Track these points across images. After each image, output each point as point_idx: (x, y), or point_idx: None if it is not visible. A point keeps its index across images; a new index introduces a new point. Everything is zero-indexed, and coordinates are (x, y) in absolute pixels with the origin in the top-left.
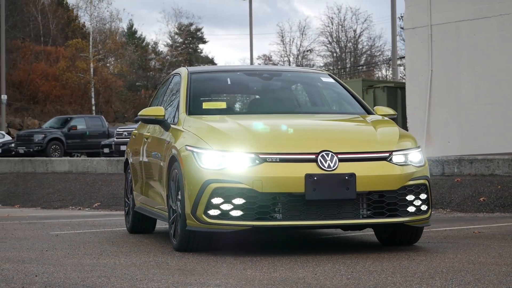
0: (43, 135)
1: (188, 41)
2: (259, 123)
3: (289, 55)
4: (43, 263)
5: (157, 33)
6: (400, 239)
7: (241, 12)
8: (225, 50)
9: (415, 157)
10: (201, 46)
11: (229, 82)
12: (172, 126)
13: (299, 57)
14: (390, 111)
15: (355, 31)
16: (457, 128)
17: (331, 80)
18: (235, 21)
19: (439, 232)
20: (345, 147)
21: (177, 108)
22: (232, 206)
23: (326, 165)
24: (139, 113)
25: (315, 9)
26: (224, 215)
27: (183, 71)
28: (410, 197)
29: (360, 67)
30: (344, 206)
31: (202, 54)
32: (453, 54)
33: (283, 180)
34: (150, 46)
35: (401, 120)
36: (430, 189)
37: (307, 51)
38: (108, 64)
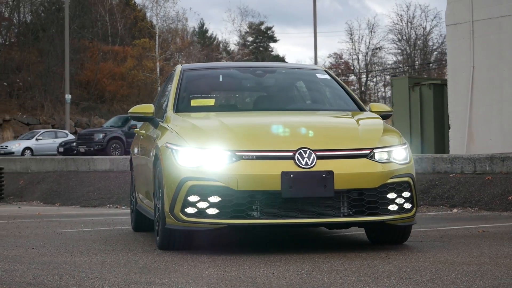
0: (104, 134)
1: (259, 40)
2: (239, 120)
3: (358, 53)
4: (15, 261)
5: (222, 31)
6: (388, 238)
7: (311, 10)
8: (296, 48)
9: (399, 154)
10: (271, 44)
11: (220, 79)
12: (160, 123)
13: (368, 55)
14: (386, 107)
15: (424, 28)
16: (499, 126)
17: (327, 76)
18: (307, 20)
19: (441, 231)
20: (324, 144)
21: (167, 105)
22: (208, 204)
23: (303, 163)
24: (129, 111)
25: (388, 6)
26: (201, 213)
27: (178, 68)
28: (391, 195)
29: (430, 65)
30: (323, 204)
31: (272, 53)
32: (494, 50)
33: (259, 177)
34: (221, 45)
35: (446, 118)
36: (414, 187)
37: (376, 49)
38: (172, 64)
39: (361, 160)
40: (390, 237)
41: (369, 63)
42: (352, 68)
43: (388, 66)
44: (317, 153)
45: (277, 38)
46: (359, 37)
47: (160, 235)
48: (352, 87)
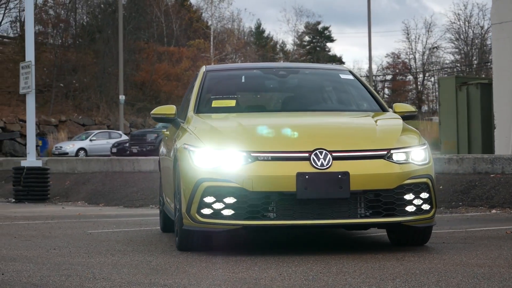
0: (156, 135)
1: (316, 40)
2: (257, 121)
3: (415, 52)
4: (30, 261)
5: (277, 32)
6: (408, 239)
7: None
8: (353, 48)
9: (417, 155)
10: (328, 44)
11: (243, 80)
12: (181, 124)
13: (425, 54)
14: (409, 108)
15: (482, 27)
16: None
17: (350, 77)
18: (364, 19)
19: (469, 233)
20: (341, 145)
21: (188, 107)
22: (223, 205)
23: (319, 164)
24: (152, 112)
25: (445, 5)
26: (216, 214)
27: (202, 69)
28: (409, 196)
29: (488, 64)
30: (339, 205)
31: (329, 53)
32: None
33: (274, 178)
34: (278, 46)
35: (493, 118)
36: (433, 188)
37: (433, 48)
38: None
39: (378, 161)
40: (410, 239)
41: (426, 62)
42: (409, 67)
43: (446, 66)
44: (333, 154)
45: (334, 38)
46: (415, 37)
47: (178, 236)
48: (409, 87)
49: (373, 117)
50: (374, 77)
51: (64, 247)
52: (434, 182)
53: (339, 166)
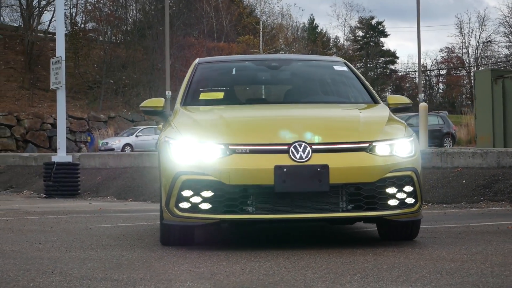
0: None
1: (369, 35)
2: (239, 114)
3: (468, 46)
4: (3, 256)
5: (327, 27)
6: (395, 234)
7: (423, 4)
8: (408, 43)
9: (402, 147)
10: (382, 39)
11: (233, 72)
12: (168, 117)
13: (478, 48)
14: (404, 100)
15: None
16: None
17: (344, 68)
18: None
19: (470, 227)
20: (321, 137)
21: (177, 99)
22: (201, 199)
23: (297, 156)
24: (140, 105)
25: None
26: (194, 208)
27: (195, 61)
28: (391, 190)
29: None
30: (320, 199)
31: (383, 48)
32: None
33: (251, 172)
34: (331, 41)
35: None
36: (418, 181)
37: (487, 42)
38: None
39: (359, 153)
40: (398, 233)
41: (479, 57)
42: (463, 62)
43: (500, 60)
44: (313, 147)
45: (388, 33)
46: (469, 31)
47: (160, 230)
48: (463, 81)
49: (360, 109)
50: (428, 71)
51: (50, 241)
52: (419, 175)
53: (318, 159)
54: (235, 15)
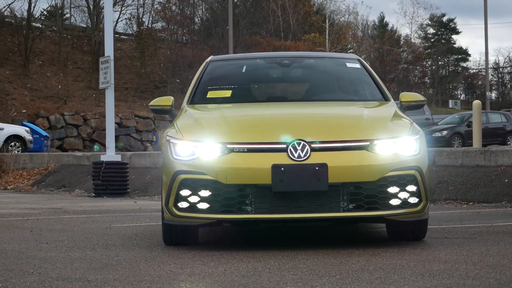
0: None
1: (441, 32)
2: (240, 112)
3: None
4: (2, 257)
5: (394, 24)
6: (403, 234)
7: (495, 1)
8: (480, 40)
9: (405, 145)
10: (454, 37)
11: (243, 70)
12: (175, 116)
13: None
14: (417, 97)
15: None
16: None
17: (357, 65)
18: (491, 11)
19: (486, 228)
20: (321, 136)
21: (184, 97)
22: (199, 198)
23: (296, 155)
24: (150, 103)
25: None
26: (192, 207)
27: (207, 59)
28: (393, 189)
29: None
30: (319, 198)
31: (455, 45)
32: None
33: (248, 171)
34: (402, 38)
35: None
36: (422, 180)
37: None
38: None
39: (359, 152)
40: (404, 234)
41: None
42: None
43: None
44: (312, 145)
45: (459, 30)
46: None
47: (162, 230)
48: None
49: (367, 107)
50: (500, 69)
51: (59, 241)
52: (423, 174)
53: (317, 158)
54: (301, 13)
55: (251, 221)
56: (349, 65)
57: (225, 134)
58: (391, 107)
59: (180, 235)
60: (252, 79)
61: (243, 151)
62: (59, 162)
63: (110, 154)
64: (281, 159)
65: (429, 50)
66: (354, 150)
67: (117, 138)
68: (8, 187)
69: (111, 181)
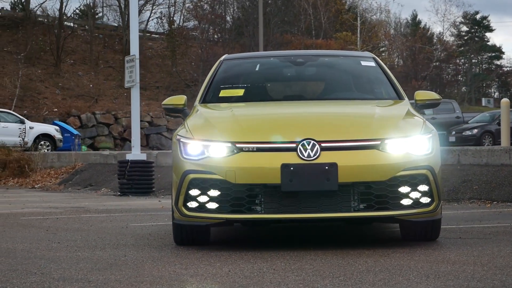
0: None
1: (474, 30)
2: (250, 111)
3: None
4: (8, 255)
5: (426, 22)
6: (415, 234)
7: None
8: None
9: (417, 144)
10: (487, 34)
11: (257, 69)
12: (187, 115)
13: None
14: (432, 95)
15: None
16: None
17: (372, 64)
18: None
19: (504, 228)
20: (331, 135)
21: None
22: (208, 198)
23: (306, 155)
24: (163, 102)
25: None
26: (201, 207)
27: (221, 58)
28: (404, 189)
29: None
30: (329, 198)
31: (488, 43)
32: None
33: (257, 170)
34: (435, 36)
35: None
36: (434, 180)
37: None
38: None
39: (369, 151)
40: (417, 234)
41: None
42: None
43: None
44: (322, 145)
45: (493, 28)
46: None
47: (173, 230)
48: None
49: (380, 105)
50: None
51: (72, 240)
52: (436, 174)
53: (327, 157)
54: (332, 11)
55: (260, 221)
56: (363, 63)
57: (234, 133)
58: (404, 105)
59: (190, 235)
60: (265, 78)
61: (253, 151)
62: (86, 161)
63: (136, 153)
64: (291, 158)
65: (462, 48)
66: (364, 149)
67: (148, 136)
68: (36, 186)
69: (136, 180)
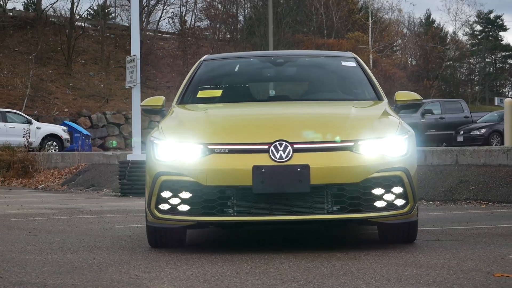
0: None
1: (488, 29)
2: (224, 112)
3: None
4: None
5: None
6: (392, 236)
7: None
8: None
9: (392, 145)
10: (501, 33)
11: (236, 69)
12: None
13: None
14: (413, 96)
15: None
16: None
17: (353, 64)
18: None
19: (488, 229)
20: (304, 136)
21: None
22: (179, 200)
23: (278, 156)
24: (141, 103)
25: None
26: (173, 209)
27: (201, 58)
28: (378, 191)
29: None
30: (301, 200)
31: (502, 42)
32: None
33: (228, 172)
34: (448, 35)
35: None
36: (409, 181)
37: None
38: (384, 57)
39: (342, 152)
40: (393, 236)
41: None
42: None
43: None
44: (295, 146)
45: (507, 27)
46: None
47: (146, 232)
48: None
49: (355, 106)
50: None
51: (48, 243)
52: (411, 176)
53: (299, 159)
54: (344, 11)
55: (232, 223)
56: (344, 63)
57: (206, 134)
58: (382, 106)
59: (164, 237)
60: (244, 79)
61: (224, 152)
62: (90, 161)
63: (136, 154)
64: (263, 160)
65: (475, 48)
66: (337, 150)
67: None
68: (39, 187)
69: (137, 181)
